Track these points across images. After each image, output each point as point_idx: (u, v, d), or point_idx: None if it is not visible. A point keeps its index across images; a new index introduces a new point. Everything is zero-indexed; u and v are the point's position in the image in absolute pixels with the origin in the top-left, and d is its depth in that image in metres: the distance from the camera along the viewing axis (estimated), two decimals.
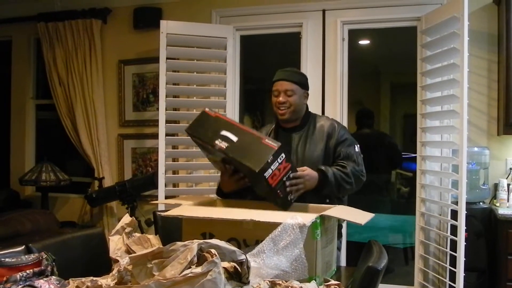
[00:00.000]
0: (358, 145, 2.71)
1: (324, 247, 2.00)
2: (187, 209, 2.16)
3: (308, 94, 2.79)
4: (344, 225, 3.84)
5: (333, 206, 2.29)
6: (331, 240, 2.15)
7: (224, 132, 2.24)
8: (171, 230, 2.42)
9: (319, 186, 2.47)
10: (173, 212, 2.07)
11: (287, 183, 2.29)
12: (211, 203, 2.52)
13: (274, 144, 2.15)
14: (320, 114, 3.01)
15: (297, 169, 2.39)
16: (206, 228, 2.01)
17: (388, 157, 5.10)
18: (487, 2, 3.76)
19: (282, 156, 2.17)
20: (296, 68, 2.81)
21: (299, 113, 2.73)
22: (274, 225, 1.76)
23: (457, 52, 3.29)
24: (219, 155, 2.32)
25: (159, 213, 2.80)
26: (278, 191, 2.24)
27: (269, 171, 2.14)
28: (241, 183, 2.44)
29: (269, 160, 2.12)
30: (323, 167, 2.51)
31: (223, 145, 2.21)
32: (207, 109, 2.40)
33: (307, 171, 2.42)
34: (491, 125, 3.77)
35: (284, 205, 2.33)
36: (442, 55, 3.51)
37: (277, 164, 2.16)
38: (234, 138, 2.22)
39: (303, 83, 2.75)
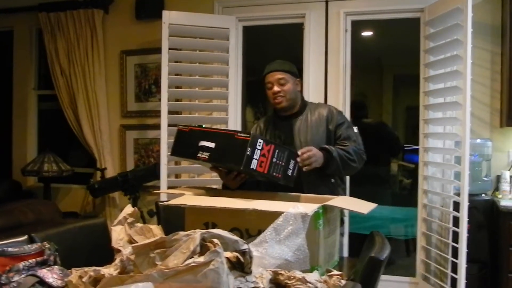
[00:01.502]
0: (356, 127, 2.81)
1: (327, 237, 2.00)
2: (190, 198, 2.17)
3: (300, 82, 2.87)
4: (346, 216, 3.86)
5: (335, 196, 2.30)
6: (334, 230, 2.16)
7: (202, 142, 2.31)
8: (173, 220, 2.42)
9: (325, 164, 2.54)
10: (176, 201, 2.09)
11: (299, 159, 2.38)
12: (215, 193, 2.52)
13: (247, 136, 2.18)
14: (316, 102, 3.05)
15: (303, 149, 2.47)
16: (208, 218, 2.02)
17: (386, 146, 5.09)
18: None
19: (260, 142, 2.20)
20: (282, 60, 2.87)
21: (295, 100, 2.80)
22: (276, 215, 1.76)
23: (460, 44, 3.28)
24: (206, 164, 2.39)
25: (161, 203, 2.80)
26: (274, 174, 2.28)
27: (254, 161, 2.17)
28: (239, 179, 2.47)
29: (248, 153, 2.14)
30: (327, 146, 2.59)
31: (205, 155, 2.28)
32: (180, 126, 2.49)
33: (314, 151, 2.48)
34: (494, 117, 3.76)
35: (287, 182, 2.37)
36: (445, 47, 3.49)
37: (258, 152, 2.19)
38: (211, 145, 2.28)
39: (293, 71, 2.82)
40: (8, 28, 5.14)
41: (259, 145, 2.19)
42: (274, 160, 2.26)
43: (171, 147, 2.54)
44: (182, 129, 2.46)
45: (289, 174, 2.36)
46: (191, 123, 4.27)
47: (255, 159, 2.17)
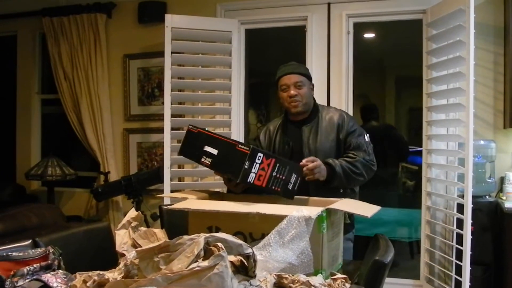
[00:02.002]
0: (368, 135, 2.72)
1: (330, 240, 2.00)
2: (193, 202, 2.16)
3: (313, 86, 2.80)
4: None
5: (339, 199, 2.29)
6: (337, 233, 2.15)
7: (206, 148, 2.29)
8: (177, 224, 2.42)
9: (328, 178, 2.49)
10: (179, 205, 2.07)
11: (304, 169, 2.37)
12: (217, 197, 2.51)
13: (247, 148, 2.14)
14: (327, 105, 3.00)
15: (309, 158, 2.44)
16: (212, 222, 2.00)
17: (394, 150, 5.09)
18: None
19: (259, 156, 2.16)
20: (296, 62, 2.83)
21: (310, 104, 2.73)
22: (280, 218, 1.75)
23: (463, 45, 3.27)
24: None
25: (165, 207, 2.81)
26: (273, 187, 2.24)
27: (252, 175, 2.14)
28: (241, 186, 2.42)
29: (246, 167, 2.11)
30: (330, 161, 2.53)
31: (208, 161, 2.27)
32: (190, 126, 2.45)
33: (318, 162, 2.44)
34: (497, 118, 3.75)
35: (287, 196, 2.33)
36: (448, 48, 3.49)
37: (257, 165, 2.15)
38: (214, 152, 2.26)
39: (309, 75, 2.76)
40: (12, 33, 5.17)
41: (259, 159, 2.15)
42: (274, 174, 2.22)
43: (180, 147, 2.51)
44: (191, 129, 2.43)
45: (290, 188, 2.32)
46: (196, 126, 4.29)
47: (253, 172, 2.14)
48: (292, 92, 2.65)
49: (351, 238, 2.78)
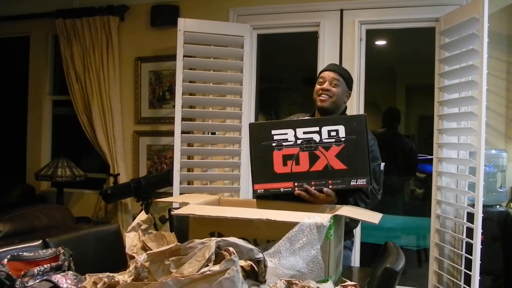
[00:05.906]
0: (383, 164, 2.66)
1: (336, 247, 1.99)
2: (197, 208, 2.10)
3: (350, 95, 2.75)
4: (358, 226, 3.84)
5: (340, 205, 2.26)
6: (340, 240, 2.14)
7: None
8: (187, 227, 2.42)
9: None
10: (183, 211, 2.00)
11: (304, 186, 2.32)
12: (212, 200, 2.45)
13: None
14: None
15: (324, 190, 2.33)
16: (214, 228, 1.95)
17: (405, 162, 5.05)
18: (507, 4, 3.71)
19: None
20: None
21: (338, 107, 2.68)
22: (287, 225, 1.73)
23: (476, 54, 3.25)
24: None
25: (174, 210, 2.80)
26: None
27: None
28: None
29: None
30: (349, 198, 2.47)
31: None
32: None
33: (332, 198, 2.34)
34: (509, 128, 3.72)
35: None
36: (461, 57, 3.47)
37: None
38: None
39: (349, 81, 2.73)
40: (25, 34, 5.21)
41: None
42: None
43: None
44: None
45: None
46: (205, 131, 4.29)
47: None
48: (325, 86, 2.62)
49: (349, 247, 2.75)
